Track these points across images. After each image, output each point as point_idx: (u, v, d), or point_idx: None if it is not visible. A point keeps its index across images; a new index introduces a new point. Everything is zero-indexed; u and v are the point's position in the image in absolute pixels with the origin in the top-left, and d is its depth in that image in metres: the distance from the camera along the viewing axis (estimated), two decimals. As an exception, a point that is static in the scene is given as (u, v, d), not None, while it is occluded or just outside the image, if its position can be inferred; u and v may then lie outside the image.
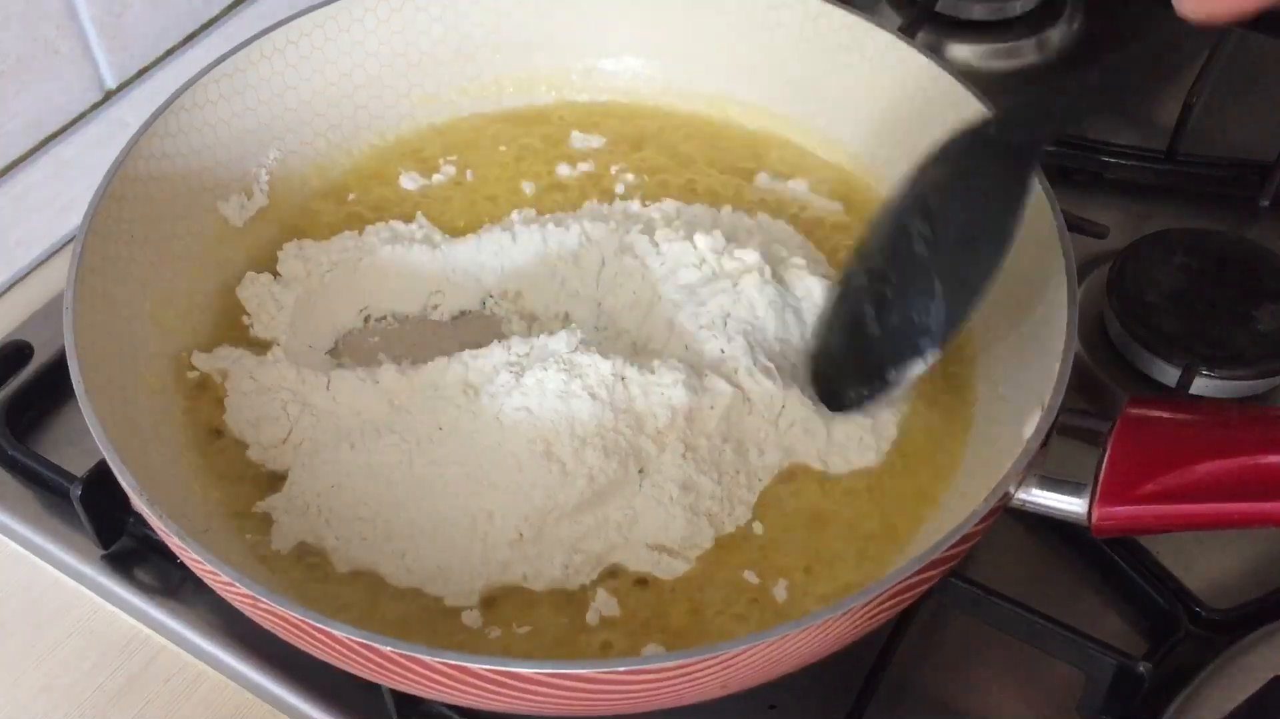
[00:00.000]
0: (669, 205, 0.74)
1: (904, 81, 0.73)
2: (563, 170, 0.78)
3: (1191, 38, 0.49)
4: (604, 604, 0.59)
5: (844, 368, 0.60)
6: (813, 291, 0.67)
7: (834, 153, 0.78)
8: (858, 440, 0.64)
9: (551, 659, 0.57)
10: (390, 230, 0.74)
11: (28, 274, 0.80)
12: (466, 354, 0.65)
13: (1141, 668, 0.57)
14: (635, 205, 0.74)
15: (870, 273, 0.59)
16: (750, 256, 0.67)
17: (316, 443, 0.64)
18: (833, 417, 0.63)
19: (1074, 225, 0.67)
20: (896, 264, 0.58)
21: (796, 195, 0.77)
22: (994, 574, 0.61)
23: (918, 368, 0.58)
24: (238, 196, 0.73)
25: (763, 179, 0.77)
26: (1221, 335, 0.72)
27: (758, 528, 0.62)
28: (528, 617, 0.59)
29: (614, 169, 0.78)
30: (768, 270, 0.66)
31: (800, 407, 0.64)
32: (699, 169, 0.78)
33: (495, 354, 0.64)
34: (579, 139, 0.79)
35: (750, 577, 0.60)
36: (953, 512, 0.61)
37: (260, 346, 0.68)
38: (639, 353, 0.67)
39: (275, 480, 0.64)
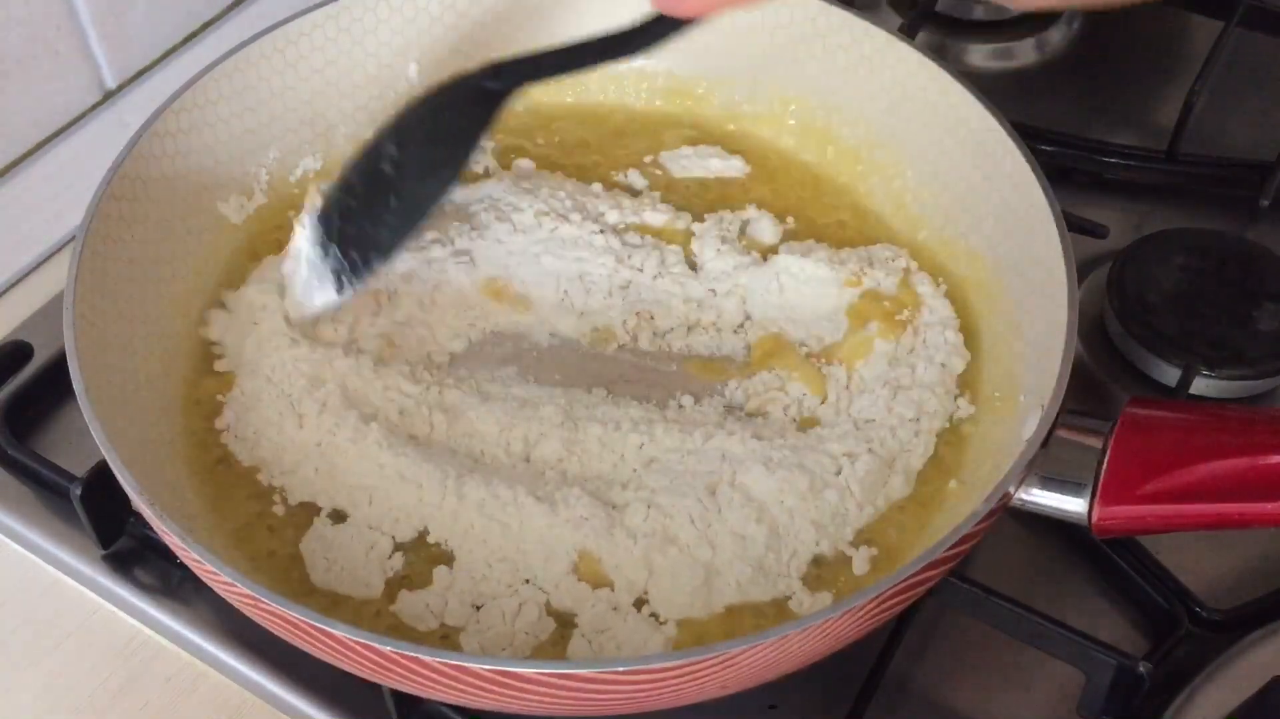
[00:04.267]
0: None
1: (904, 81, 0.73)
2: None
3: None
4: None
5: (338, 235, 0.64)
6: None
7: (833, 153, 0.78)
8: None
9: (551, 659, 0.57)
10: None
11: (28, 274, 0.80)
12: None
13: (1141, 668, 0.57)
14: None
15: (343, 184, 0.64)
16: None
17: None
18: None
19: (1074, 225, 0.67)
20: (364, 180, 0.63)
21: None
22: (994, 574, 0.61)
23: (367, 276, 0.63)
24: (238, 196, 0.73)
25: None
26: (1221, 335, 0.72)
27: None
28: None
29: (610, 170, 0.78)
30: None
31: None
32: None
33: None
34: (576, 137, 0.80)
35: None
36: (953, 512, 0.61)
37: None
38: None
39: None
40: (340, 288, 0.63)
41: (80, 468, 0.65)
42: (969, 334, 0.68)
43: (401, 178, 0.61)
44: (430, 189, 0.62)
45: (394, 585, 0.60)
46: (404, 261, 0.70)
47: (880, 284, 0.69)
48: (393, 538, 0.62)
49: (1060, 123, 0.84)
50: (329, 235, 0.63)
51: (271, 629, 0.54)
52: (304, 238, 0.64)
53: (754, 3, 0.55)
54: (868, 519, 0.62)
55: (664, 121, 0.80)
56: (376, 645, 0.50)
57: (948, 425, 0.65)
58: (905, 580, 0.52)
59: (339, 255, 0.63)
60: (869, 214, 0.76)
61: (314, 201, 0.65)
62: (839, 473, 0.62)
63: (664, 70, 0.80)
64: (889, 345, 0.67)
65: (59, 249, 0.81)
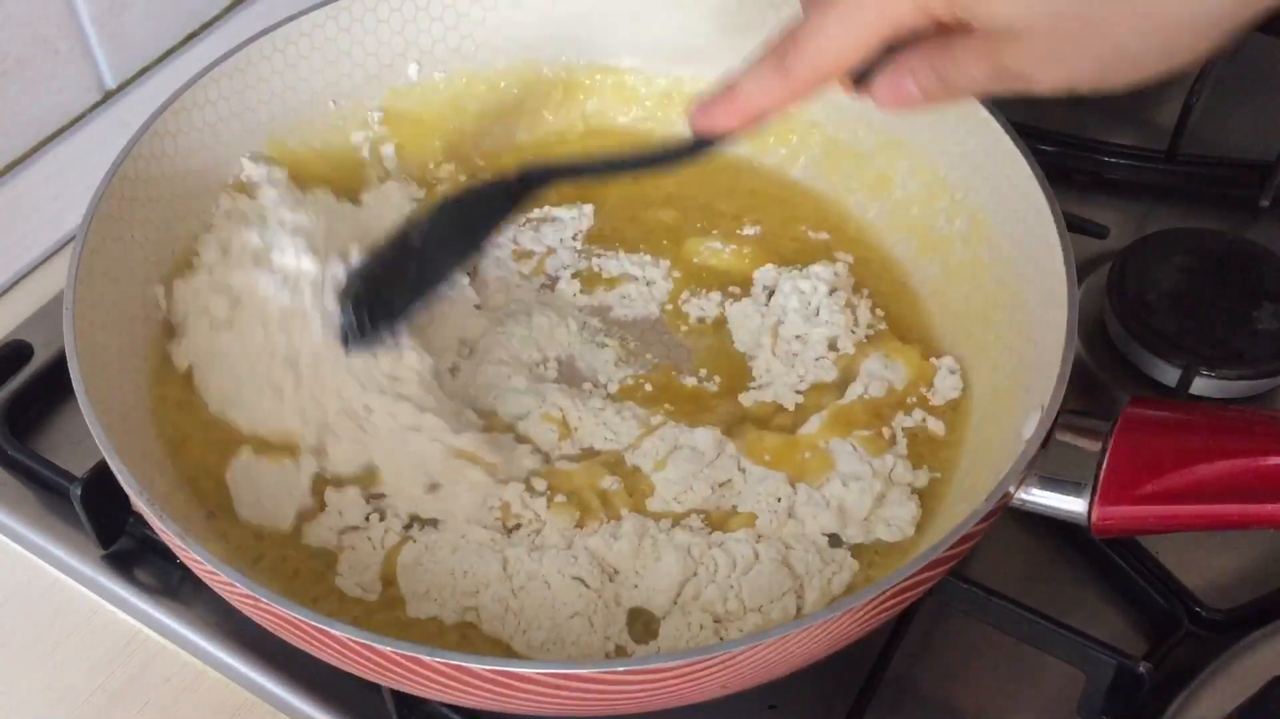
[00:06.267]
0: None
1: (904, 81, 0.73)
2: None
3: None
4: None
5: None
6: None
7: (834, 153, 0.78)
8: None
9: (551, 659, 0.57)
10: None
11: (28, 274, 0.80)
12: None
13: (1141, 668, 0.57)
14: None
15: (373, 252, 0.66)
16: None
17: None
18: None
19: (1074, 225, 0.67)
20: (392, 249, 0.65)
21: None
22: (994, 574, 0.61)
23: (371, 340, 0.64)
24: (238, 197, 0.73)
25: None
26: (1221, 335, 0.72)
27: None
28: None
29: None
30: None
31: None
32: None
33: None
34: (577, 142, 0.80)
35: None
36: (953, 512, 0.61)
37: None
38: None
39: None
40: (345, 344, 0.64)
41: (80, 468, 0.65)
42: (968, 333, 0.69)
43: (424, 251, 0.64)
44: (446, 263, 0.64)
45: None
46: None
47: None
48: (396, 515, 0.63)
49: (1060, 123, 0.84)
50: (347, 293, 0.64)
51: (271, 629, 0.54)
52: (328, 288, 0.65)
53: (780, 112, 0.55)
54: (753, 625, 0.59)
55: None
56: (376, 645, 0.50)
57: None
58: (905, 580, 0.52)
59: (351, 314, 0.63)
60: (866, 215, 0.76)
61: (346, 261, 0.66)
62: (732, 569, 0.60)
63: (663, 72, 0.80)
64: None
65: (59, 249, 0.81)
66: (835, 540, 0.62)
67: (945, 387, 0.67)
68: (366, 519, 0.62)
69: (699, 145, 0.58)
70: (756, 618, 0.58)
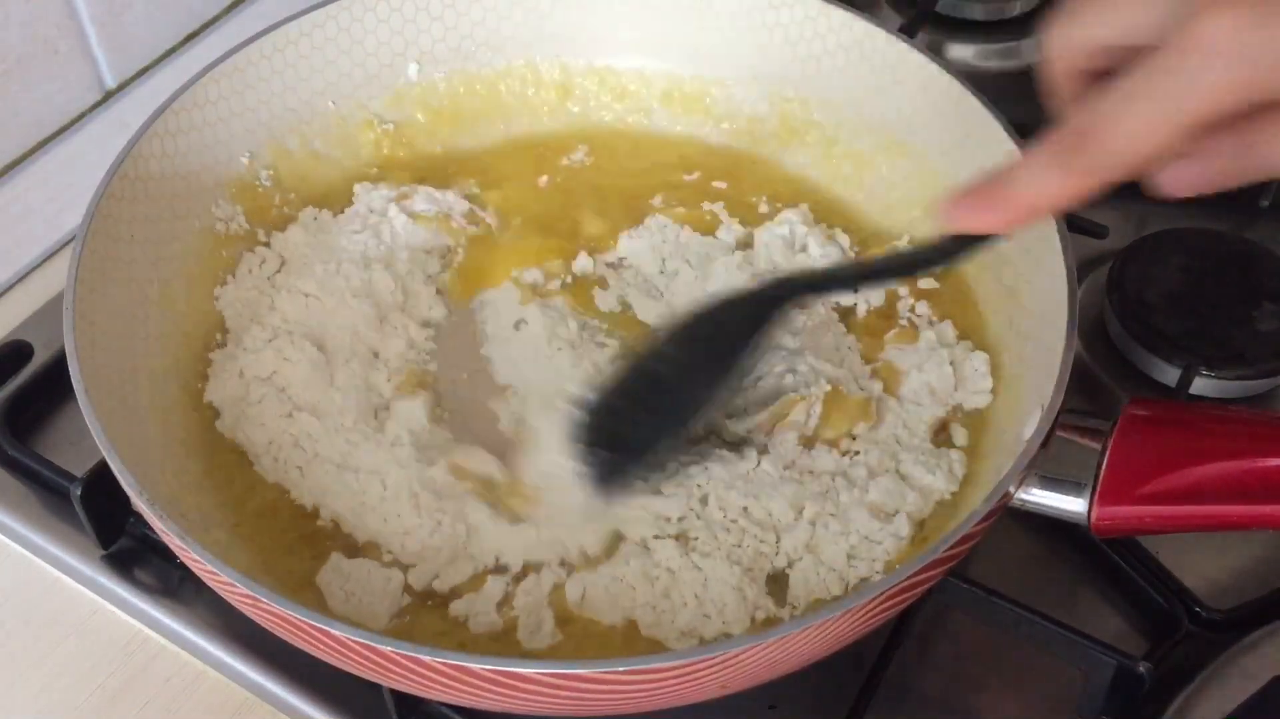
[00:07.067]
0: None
1: (904, 81, 0.73)
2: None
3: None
4: None
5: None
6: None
7: (833, 154, 0.78)
8: None
9: (551, 659, 0.57)
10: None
11: (28, 274, 0.80)
12: None
13: (1141, 668, 0.57)
14: None
15: (611, 386, 0.62)
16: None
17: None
18: None
19: (1074, 225, 0.67)
20: (636, 380, 0.61)
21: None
22: (994, 574, 0.61)
23: (632, 478, 0.61)
24: (238, 197, 0.73)
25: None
26: (1221, 335, 0.72)
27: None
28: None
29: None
30: None
31: None
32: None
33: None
34: (578, 140, 0.80)
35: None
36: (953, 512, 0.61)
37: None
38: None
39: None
40: (604, 489, 0.60)
41: (80, 468, 0.65)
42: (970, 334, 0.69)
43: (668, 379, 0.59)
44: (695, 393, 0.59)
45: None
46: None
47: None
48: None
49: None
50: (581, 435, 0.60)
51: (271, 629, 0.54)
52: (552, 439, 0.62)
53: (1057, 212, 0.50)
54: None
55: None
56: (376, 645, 0.50)
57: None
58: (905, 580, 0.52)
59: (592, 460, 0.59)
60: (866, 214, 0.76)
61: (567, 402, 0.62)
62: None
63: (664, 71, 0.80)
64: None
65: (59, 249, 0.81)
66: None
67: None
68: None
69: (959, 246, 0.52)
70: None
